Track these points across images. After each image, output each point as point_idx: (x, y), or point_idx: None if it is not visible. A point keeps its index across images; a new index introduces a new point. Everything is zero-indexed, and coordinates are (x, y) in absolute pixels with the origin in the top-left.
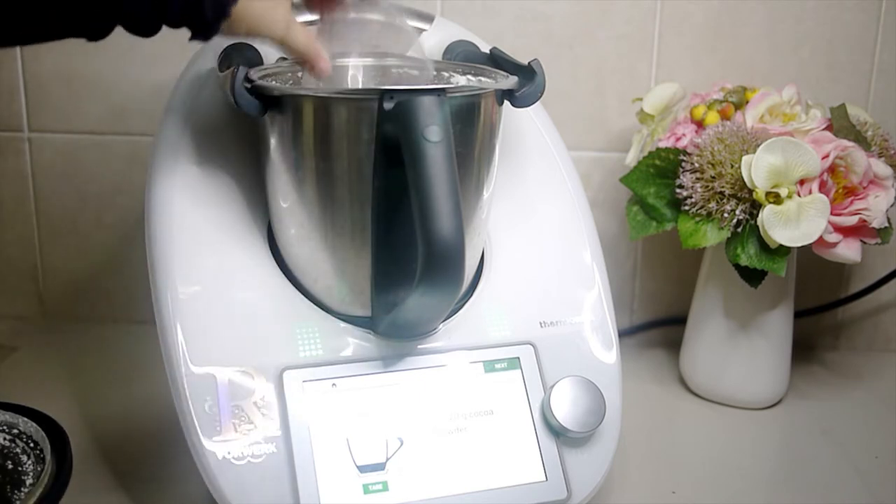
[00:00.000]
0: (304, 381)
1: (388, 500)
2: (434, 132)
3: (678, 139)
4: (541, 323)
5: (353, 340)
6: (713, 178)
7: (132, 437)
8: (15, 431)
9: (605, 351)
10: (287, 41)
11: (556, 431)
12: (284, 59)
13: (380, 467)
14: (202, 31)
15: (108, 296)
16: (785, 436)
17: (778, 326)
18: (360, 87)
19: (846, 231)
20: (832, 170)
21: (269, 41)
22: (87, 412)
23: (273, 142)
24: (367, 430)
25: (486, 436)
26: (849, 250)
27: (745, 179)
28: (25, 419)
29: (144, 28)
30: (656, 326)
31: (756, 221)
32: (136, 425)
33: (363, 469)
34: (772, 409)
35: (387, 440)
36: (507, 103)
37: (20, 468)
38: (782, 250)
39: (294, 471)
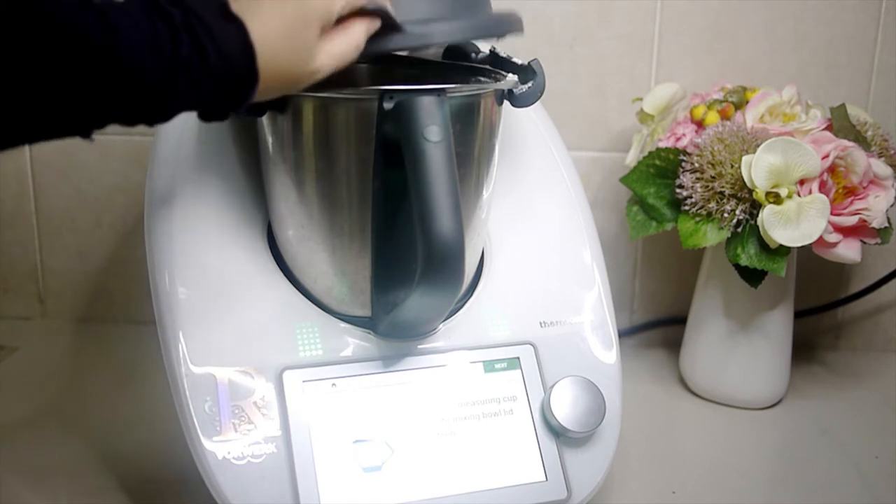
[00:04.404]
0: (304, 381)
1: (388, 499)
2: (434, 132)
3: (678, 139)
4: (541, 323)
5: (352, 340)
6: (713, 178)
7: (132, 437)
8: None
9: (605, 351)
10: (326, 71)
11: (556, 431)
12: None
13: (379, 467)
14: (229, 105)
15: (108, 296)
16: (785, 436)
17: (778, 326)
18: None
19: (846, 231)
20: (832, 170)
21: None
22: (87, 412)
23: (273, 142)
24: (367, 429)
25: (486, 436)
26: (849, 250)
27: (745, 179)
28: None
29: (150, 114)
30: (656, 326)
31: (756, 221)
32: (136, 425)
33: (363, 469)
34: (772, 409)
35: (387, 440)
36: (506, 103)
37: None
38: (782, 250)
39: (294, 471)
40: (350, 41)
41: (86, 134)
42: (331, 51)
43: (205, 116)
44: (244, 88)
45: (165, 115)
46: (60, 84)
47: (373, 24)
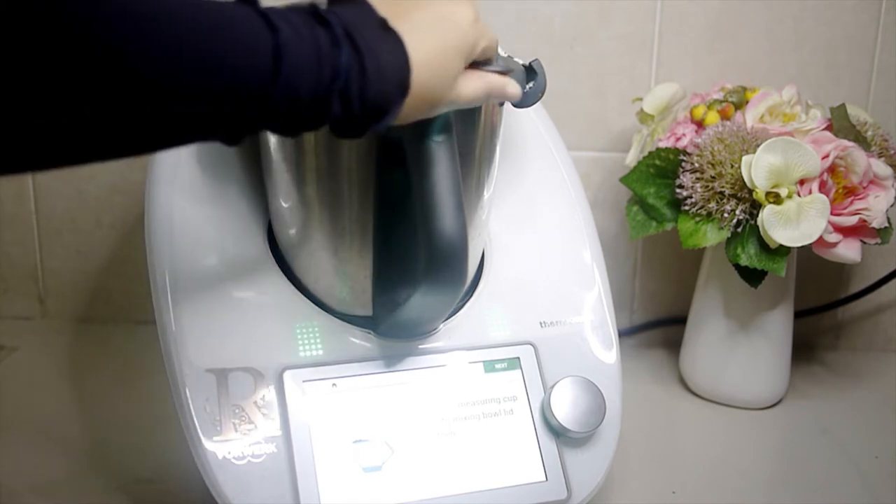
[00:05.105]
0: (304, 381)
1: (389, 499)
2: (437, 131)
3: (678, 139)
4: (541, 323)
5: (353, 340)
6: (713, 178)
7: (132, 438)
8: None
9: (605, 351)
10: (459, 102)
11: (556, 431)
12: None
13: (379, 467)
14: (373, 119)
15: (108, 296)
16: (785, 436)
17: (778, 326)
18: None
19: (846, 231)
20: (832, 170)
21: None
22: (87, 412)
23: (273, 141)
24: (367, 429)
25: (486, 436)
26: (849, 250)
27: (745, 179)
28: None
29: (297, 124)
30: (656, 326)
31: (756, 221)
32: (136, 425)
33: (363, 469)
34: (772, 409)
35: (387, 440)
36: (507, 103)
37: None
38: (782, 250)
39: (294, 471)
40: (485, 86)
41: (234, 140)
42: (469, 85)
43: (341, 131)
44: (393, 103)
45: (311, 126)
46: (219, 84)
47: (500, 86)
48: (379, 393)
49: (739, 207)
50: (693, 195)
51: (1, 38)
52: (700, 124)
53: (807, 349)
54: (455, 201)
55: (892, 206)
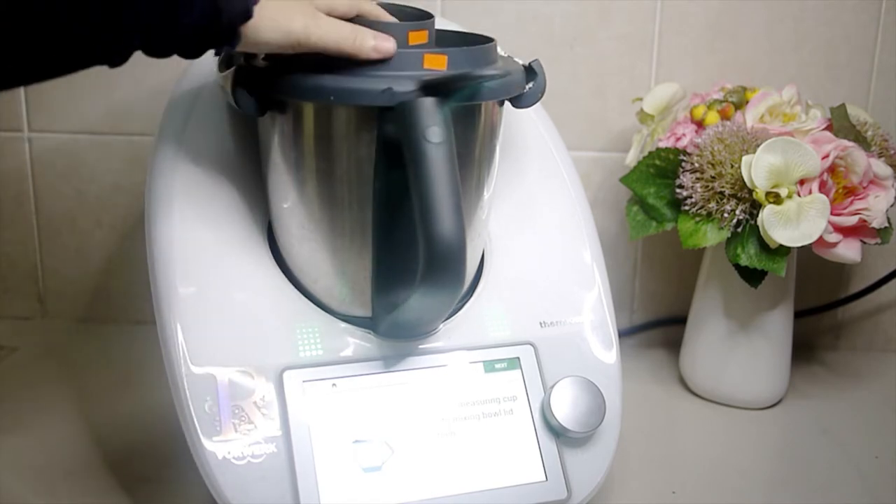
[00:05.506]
0: (304, 381)
1: (388, 499)
2: (435, 133)
3: (678, 139)
4: (541, 323)
5: (353, 340)
6: (713, 178)
7: (132, 438)
8: None
9: (605, 351)
10: (310, 40)
11: (556, 431)
12: None
13: (379, 467)
14: (219, 39)
15: (108, 296)
16: (785, 436)
17: (778, 326)
18: None
19: (846, 231)
20: (832, 170)
21: (289, 48)
22: (86, 412)
23: (273, 142)
24: (367, 430)
25: (486, 436)
26: (849, 250)
27: (745, 179)
28: None
29: (158, 44)
30: (656, 326)
31: (756, 221)
32: (137, 425)
33: (363, 469)
34: (772, 409)
35: (387, 440)
36: (507, 103)
37: None
38: (782, 250)
39: (294, 471)
40: (339, 27)
41: (115, 56)
42: (325, 21)
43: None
44: None
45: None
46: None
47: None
48: (379, 393)
49: (739, 207)
50: (693, 195)
51: None
52: (700, 124)
53: (807, 349)
54: (453, 203)
55: (892, 206)
